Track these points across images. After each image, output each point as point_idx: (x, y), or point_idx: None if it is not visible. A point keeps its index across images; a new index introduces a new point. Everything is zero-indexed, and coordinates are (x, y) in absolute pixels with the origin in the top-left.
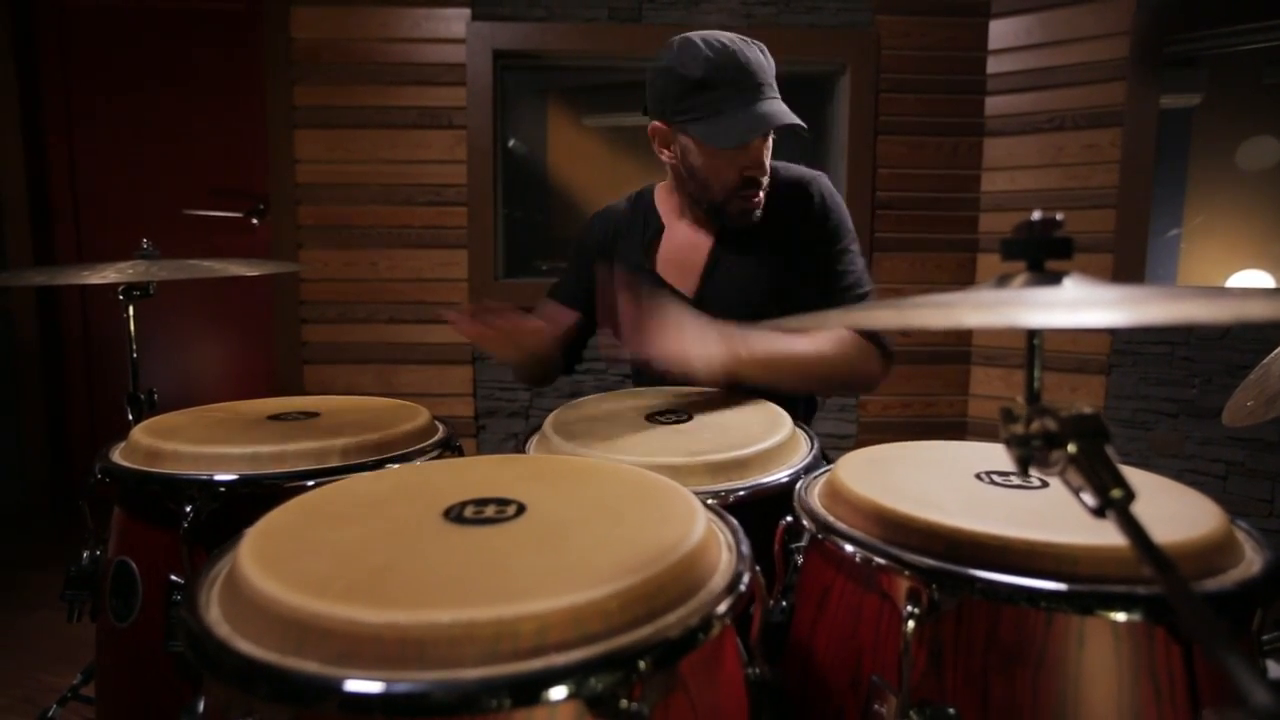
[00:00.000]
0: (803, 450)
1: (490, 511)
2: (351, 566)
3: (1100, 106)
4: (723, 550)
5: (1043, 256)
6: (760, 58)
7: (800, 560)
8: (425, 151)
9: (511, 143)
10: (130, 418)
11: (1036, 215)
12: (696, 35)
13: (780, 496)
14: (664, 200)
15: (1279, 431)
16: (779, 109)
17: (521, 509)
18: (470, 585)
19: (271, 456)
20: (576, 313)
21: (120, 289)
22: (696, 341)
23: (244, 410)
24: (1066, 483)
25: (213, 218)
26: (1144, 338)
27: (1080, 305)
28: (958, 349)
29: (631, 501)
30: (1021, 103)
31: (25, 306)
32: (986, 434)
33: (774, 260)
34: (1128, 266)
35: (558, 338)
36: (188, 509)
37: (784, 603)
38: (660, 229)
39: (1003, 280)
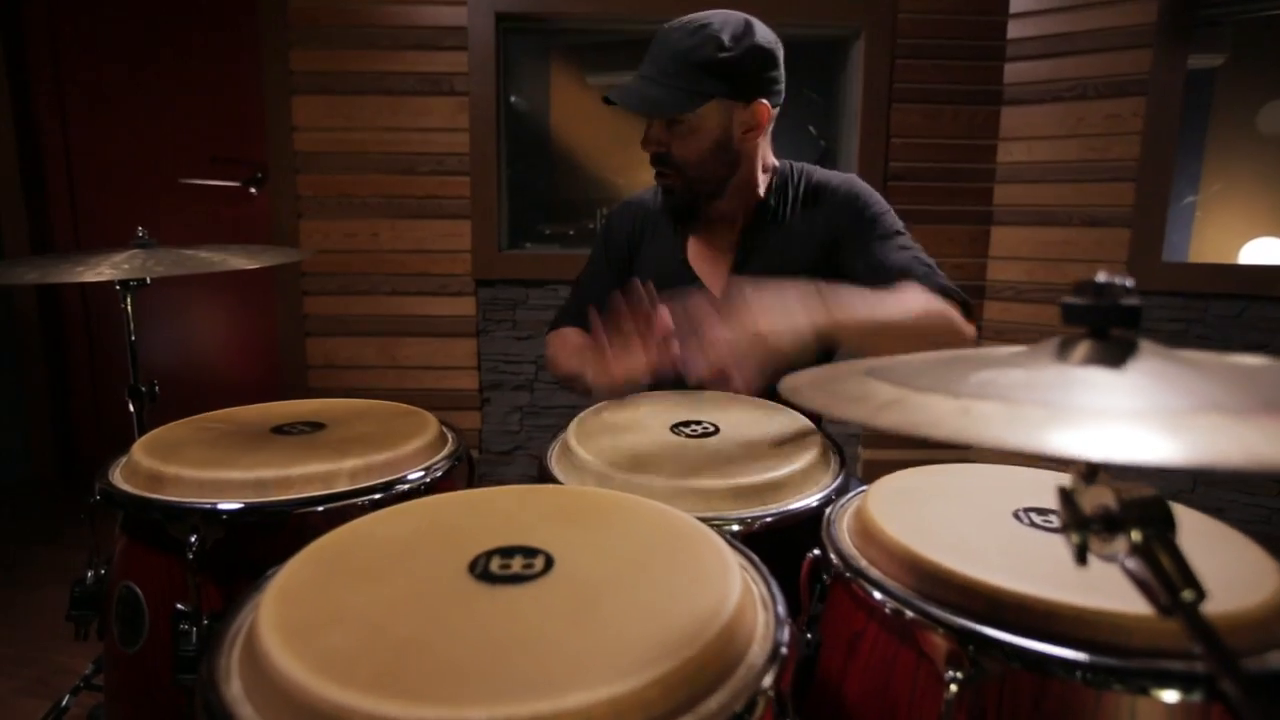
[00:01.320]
0: (832, 469)
1: (517, 565)
2: (377, 642)
3: (1124, 75)
4: (759, 609)
5: (1108, 324)
6: (687, 40)
7: (828, 581)
8: (427, 119)
9: (512, 99)
10: (132, 409)
11: (1102, 277)
12: (711, 12)
13: (808, 521)
14: None
15: None
16: (632, 89)
17: (549, 562)
18: (503, 669)
19: (277, 482)
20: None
21: (116, 283)
22: (781, 315)
23: (246, 421)
24: (1128, 572)
25: (211, 187)
26: (1158, 315)
27: (1166, 417)
28: None
29: (662, 555)
30: (1042, 70)
31: None
32: None
33: (805, 256)
34: (1145, 242)
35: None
36: (192, 539)
37: (809, 635)
38: None
39: (1064, 349)
